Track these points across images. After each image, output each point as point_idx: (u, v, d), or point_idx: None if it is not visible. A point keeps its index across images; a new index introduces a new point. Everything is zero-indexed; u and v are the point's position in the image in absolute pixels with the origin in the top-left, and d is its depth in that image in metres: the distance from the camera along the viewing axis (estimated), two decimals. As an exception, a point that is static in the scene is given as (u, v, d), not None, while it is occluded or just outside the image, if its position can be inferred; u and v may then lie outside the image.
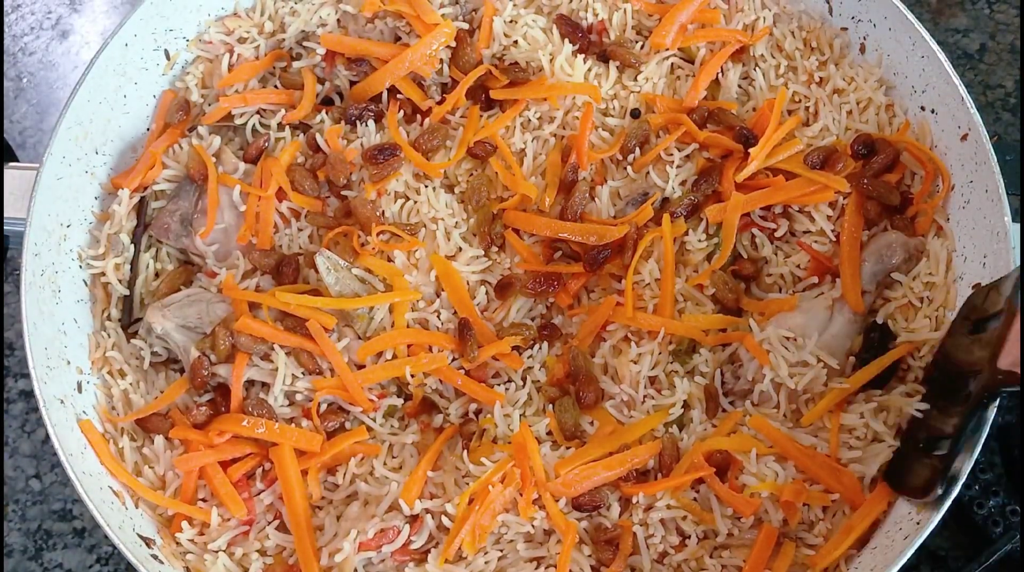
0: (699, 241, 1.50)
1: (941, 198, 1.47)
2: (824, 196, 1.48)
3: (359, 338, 1.46)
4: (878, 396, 1.40)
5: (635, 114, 1.60)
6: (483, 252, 1.53)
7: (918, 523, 1.28)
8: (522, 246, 1.51)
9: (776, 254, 1.52)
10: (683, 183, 1.54)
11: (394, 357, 1.45)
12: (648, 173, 1.55)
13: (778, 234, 1.52)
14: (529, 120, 1.59)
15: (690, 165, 1.55)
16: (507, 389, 1.47)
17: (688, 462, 1.37)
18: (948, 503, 1.28)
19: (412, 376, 1.43)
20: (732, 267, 1.51)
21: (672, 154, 1.55)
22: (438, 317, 1.48)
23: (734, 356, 1.45)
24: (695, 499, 1.37)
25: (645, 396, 1.44)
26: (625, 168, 1.57)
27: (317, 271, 1.47)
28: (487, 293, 1.52)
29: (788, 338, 1.41)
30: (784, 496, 1.32)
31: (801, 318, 1.43)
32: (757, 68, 1.62)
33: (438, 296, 1.50)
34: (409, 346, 1.45)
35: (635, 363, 1.44)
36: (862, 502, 1.34)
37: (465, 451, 1.41)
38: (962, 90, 1.45)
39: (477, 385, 1.45)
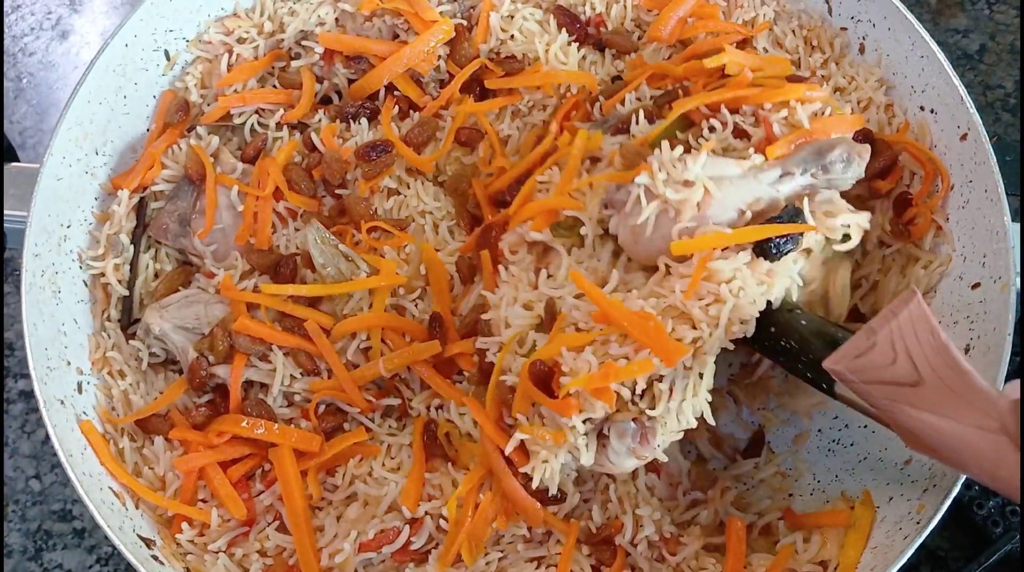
0: (642, 131, 1.40)
1: (940, 198, 1.47)
2: (796, 92, 1.39)
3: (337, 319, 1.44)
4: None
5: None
6: (466, 240, 1.52)
7: (918, 523, 1.29)
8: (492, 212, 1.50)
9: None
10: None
11: (368, 339, 1.43)
12: (616, 112, 1.52)
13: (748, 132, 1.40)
14: (519, 109, 1.60)
15: (659, 92, 1.51)
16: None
17: (506, 389, 1.29)
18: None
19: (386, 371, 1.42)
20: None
21: (643, 91, 1.53)
22: (416, 306, 1.48)
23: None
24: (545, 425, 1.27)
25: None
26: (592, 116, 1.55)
27: (314, 271, 1.47)
28: None
29: (680, 159, 1.29)
30: (592, 385, 1.19)
31: (709, 158, 1.30)
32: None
33: (425, 290, 1.49)
34: (383, 330, 1.44)
35: (496, 308, 1.39)
36: (670, 354, 1.18)
37: (451, 464, 1.40)
38: (962, 90, 1.45)
39: (442, 380, 1.43)
